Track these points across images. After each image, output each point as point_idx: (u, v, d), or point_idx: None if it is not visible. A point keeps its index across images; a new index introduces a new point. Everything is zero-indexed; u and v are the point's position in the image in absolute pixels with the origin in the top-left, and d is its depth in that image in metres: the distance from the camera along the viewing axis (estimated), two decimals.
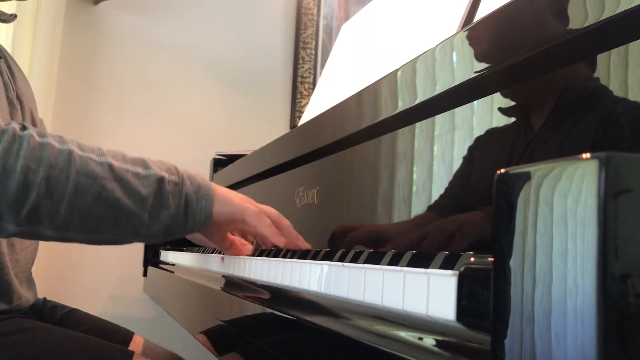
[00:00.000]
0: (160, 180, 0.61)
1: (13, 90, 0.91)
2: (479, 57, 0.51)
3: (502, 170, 0.27)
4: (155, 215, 0.60)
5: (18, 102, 0.91)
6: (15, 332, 0.81)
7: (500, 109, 0.49)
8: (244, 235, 0.94)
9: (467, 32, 0.53)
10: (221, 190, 0.68)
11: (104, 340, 0.89)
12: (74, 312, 1.11)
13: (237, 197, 0.68)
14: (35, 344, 0.80)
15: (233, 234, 0.81)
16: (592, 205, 0.22)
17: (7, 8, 0.98)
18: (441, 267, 0.40)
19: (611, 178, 0.22)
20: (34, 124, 0.97)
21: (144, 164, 0.62)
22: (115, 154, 0.61)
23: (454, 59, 0.54)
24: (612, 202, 0.21)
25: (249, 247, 0.83)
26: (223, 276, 0.86)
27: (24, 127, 0.56)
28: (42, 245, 1.05)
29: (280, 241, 0.68)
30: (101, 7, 2.09)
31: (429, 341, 0.34)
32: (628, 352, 0.21)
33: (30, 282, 1.00)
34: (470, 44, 0.52)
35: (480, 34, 0.52)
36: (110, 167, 0.58)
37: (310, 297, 0.53)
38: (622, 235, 0.21)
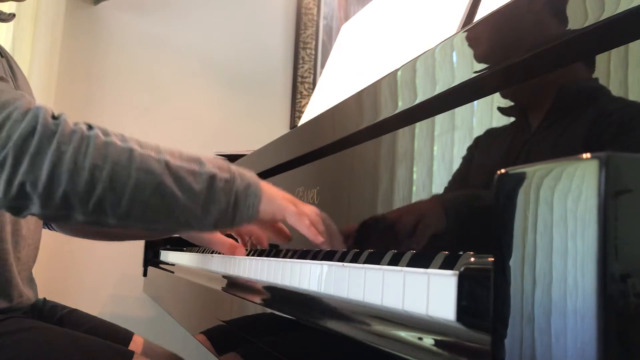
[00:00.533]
0: (213, 177, 0.66)
1: (15, 89, 0.92)
2: (479, 57, 0.51)
3: (502, 171, 0.27)
4: (207, 210, 0.65)
5: None
6: (15, 331, 0.81)
7: (501, 109, 0.49)
8: (239, 235, 0.95)
9: (467, 32, 0.53)
10: (268, 189, 0.72)
11: (104, 341, 0.89)
12: (74, 312, 1.11)
13: (281, 196, 0.72)
14: (35, 344, 0.80)
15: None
16: (592, 205, 0.22)
17: (7, 8, 0.98)
18: (441, 267, 0.40)
19: (611, 178, 0.22)
20: None
21: (198, 161, 0.67)
22: (172, 152, 0.67)
23: (454, 59, 0.54)
24: (612, 202, 0.21)
25: (242, 251, 0.87)
26: (223, 276, 0.86)
27: (90, 127, 0.62)
28: (43, 245, 1.05)
29: (318, 240, 0.70)
30: (101, 7, 2.09)
31: (429, 341, 0.34)
32: (628, 352, 0.21)
33: (31, 282, 1.00)
34: (470, 44, 0.52)
35: (481, 34, 0.52)
36: (167, 164, 0.64)
37: (311, 297, 0.53)
38: (622, 235, 0.21)
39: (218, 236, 0.95)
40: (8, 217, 0.90)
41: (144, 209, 0.62)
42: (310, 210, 0.73)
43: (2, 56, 0.93)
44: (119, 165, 0.60)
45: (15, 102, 0.60)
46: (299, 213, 0.70)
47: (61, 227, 1.11)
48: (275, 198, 0.71)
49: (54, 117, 0.61)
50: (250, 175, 0.70)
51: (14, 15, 0.97)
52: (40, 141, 0.58)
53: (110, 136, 0.63)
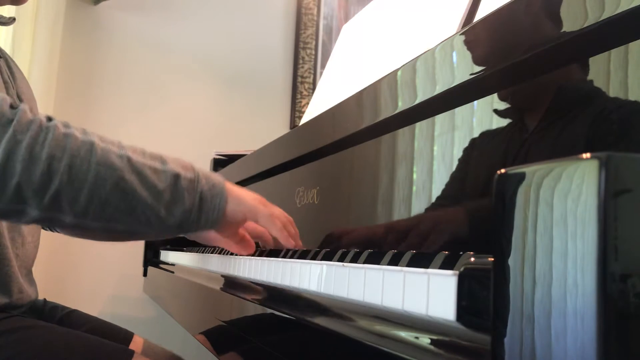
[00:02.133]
0: (176, 176, 0.64)
1: (13, 89, 0.92)
2: (480, 57, 0.51)
3: (502, 171, 0.27)
4: (170, 210, 0.63)
5: (18, 100, 0.92)
6: (16, 330, 0.81)
7: (501, 109, 0.49)
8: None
9: (467, 32, 0.53)
10: (235, 190, 0.69)
11: (104, 340, 0.89)
12: (74, 313, 1.11)
13: (250, 197, 0.70)
14: (36, 343, 0.80)
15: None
16: (592, 205, 0.22)
17: (7, 11, 0.99)
18: (441, 267, 0.40)
19: (611, 178, 0.22)
20: None
21: (161, 159, 0.65)
22: (134, 149, 0.64)
23: (454, 59, 0.54)
24: (612, 202, 0.21)
25: (252, 246, 0.84)
26: (223, 276, 0.86)
27: (49, 119, 0.60)
28: (42, 245, 1.05)
29: (290, 244, 0.69)
30: (101, 7, 2.09)
31: (429, 341, 0.34)
32: (628, 352, 0.21)
33: (30, 280, 1.00)
34: (471, 44, 0.52)
35: (481, 34, 0.52)
36: (129, 159, 0.61)
37: (310, 297, 0.53)
38: (622, 235, 0.21)
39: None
40: None
41: (104, 205, 0.59)
42: (280, 212, 0.72)
43: (1, 56, 0.93)
44: (78, 158, 0.57)
45: None
46: (271, 214, 0.69)
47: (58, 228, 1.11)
48: (244, 199, 0.69)
49: (12, 107, 0.58)
50: (216, 177, 0.68)
51: (14, 19, 0.97)
52: None
53: (71, 128, 0.60)
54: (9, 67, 0.95)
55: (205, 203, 0.65)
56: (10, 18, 0.97)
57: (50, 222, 0.60)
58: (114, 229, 0.62)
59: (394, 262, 0.48)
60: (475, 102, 0.50)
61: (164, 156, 0.65)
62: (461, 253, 0.42)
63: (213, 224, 0.67)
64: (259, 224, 0.70)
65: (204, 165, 1.89)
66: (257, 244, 0.97)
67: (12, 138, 0.55)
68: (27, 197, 0.56)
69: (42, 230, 1.06)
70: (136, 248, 1.77)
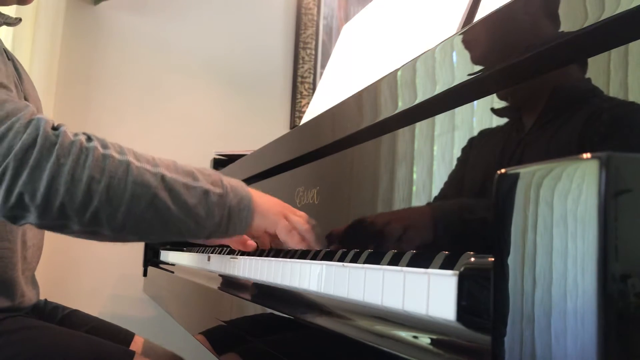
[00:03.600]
0: (206, 192, 0.67)
1: (21, 91, 0.93)
2: (480, 57, 0.51)
3: (502, 170, 0.27)
4: (200, 224, 0.67)
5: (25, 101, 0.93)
6: (18, 330, 0.81)
7: (501, 109, 0.49)
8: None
9: (467, 32, 0.53)
10: (260, 202, 0.73)
11: (105, 341, 0.89)
12: (74, 313, 1.11)
13: (274, 209, 0.74)
14: (37, 343, 0.80)
15: None
16: (592, 205, 0.22)
17: (8, 10, 0.98)
18: (441, 267, 0.40)
19: (611, 178, 0.22)
20: None
21: (193, 175, 0.68)
22: (167, 165, 0.67)
23: (454, 59, 0.54)
24: (612, 202, 0.21)
25: (253, 244, 0.88)
26: (222, 276, 0.86)
27: (89, 138, 0.63)
28: (43, 246, 1.05)
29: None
30: (101, 7, 2.09)
31: (429, 341, 0.34)
32: (628, 352, 0.21)
33: (34, 282, 1.00)
34: (471, 44, 0.52)
35: (481, 34, 0.52)
36: (163, 177, 0.65)
37: (311, 297, 0.53)
38: (622, 235, 0.21)
39: None
40: None
41: (139, 221, 0.63)
42: (301, 220, 0.74)
43: (9, 59, 0.93)
44: (116, 179, 0.61)
45: (19, 112, 0.61)
46: (290, 228, 0.72)
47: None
48: (268, 212, 0.72)
49: (54, 128, 0.62)
50: (242, 188, 0.72)
51: (20, 19, 0.98)
52: (40, 153, 0.59)
53: (109, 149, 0.63)
54: (16, 69, 0.95)
55: (234, 217, 0.69)
56: (16, 18, 0.97)
57: (91, 236, 0.64)
58: (149, 239, 0.68)
59: (394, 262, 0.48)
60: (475, 102, 0.50)
61: (195, 171, 0.69)
62: (461, 253, 0.42)
63: (239, 234, 0.71)
64: (278, 236, 0.73)
65: (204, 166, 1.89)
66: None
67: (56, 163, 0.59)
68: (70, 215, 0.60)
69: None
70: (136, 248, 1.77)
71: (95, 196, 0.60)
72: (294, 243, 0.72)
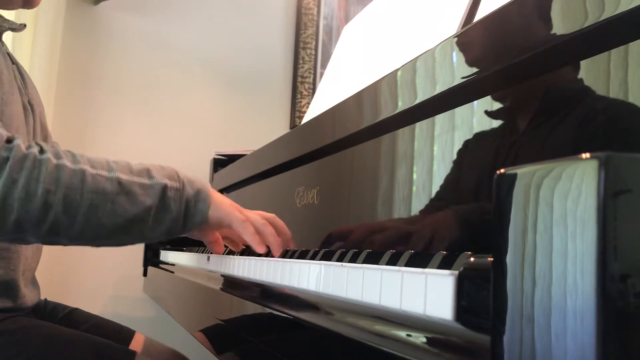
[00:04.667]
0: (164, 188, 0.67)
1: (25, 95, 0.93)
2: (480, 57, 0.51)
3: (502, 170, 0.27)
4: (159, 220, 0.67)
5: (30, 106, 0.94)
6: (19, 330, 0.81)
7: (501, 109, 0.49)
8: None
9: (467, 33, 0.53)
10: (216, 196, 0.73)
11: (107, 340, 0.89)
12: (75, 312, 1.12)
13: (227, 203, 0.74)
14: (38, 343, 0.81)
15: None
16: (592, 205, 0.22)
17: (11, 13, 0.98)
18: (439, 267, 0.40)
19: (611, 178, 0.21)
20: (43, 128, 1.01)
21: (148, 174, 0.68)
22: (122, 167, 0.67)
23: (454, 59, 0.54)
24: (612, 202, 0.21)
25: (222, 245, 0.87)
26: (222, 276, 0.86)
27: (41, 150, 0.62)
28: (43, 246, 1.05)
29: (261, 249, 0.72)
30: (101, 7, 2.09)
31: (427, 341, 0.34)
32: (628, 352, 0.21)
33: (34, 283, 1.00)
34: (471, 44, 0.52)
35: (481, 34, 0.52)
36: (119, 182, 0.65)
37: (309, 297, 0.53)
38: (622, 235, 0.21)
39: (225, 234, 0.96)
40: None
41: (98, 228, 0.63)
42: (256, 217, 0.75)
43: (12, 63, 0.93)
44: (71, 189, 0.61)
45: None
46: (244, 220, 0.72)
47: None
48: (222, 204, 0.72)
49: (8, 141, 0.61)
50: (199, 182, 0.72)
51: (24, 25, 0.98)
52: None
53: (62, 159, 0.63)
54: (20, 74, 0.96)
55: (191, 209, 0.69)
56: (21, 24, 0.97)
57: (48, 244, 0.65)
58: (107, 244, 0.67)
59: (393, 262, 0.48)
60: (475, 102, 0.50)
61: (150, 169, 0.69)
62: (459, 253, 0.42)
63: (196, 227, 0.71)
64: (232, 228, 0.73)
65: (204, 166, 1.89)
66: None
67: (9, 177, 0.59)
68: (27, 229, 0.60)
69: None
70: (136, 248, 1.76)
71: (51, 209, 0.60)
72: (248, 234, 0.72)
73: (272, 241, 0.74)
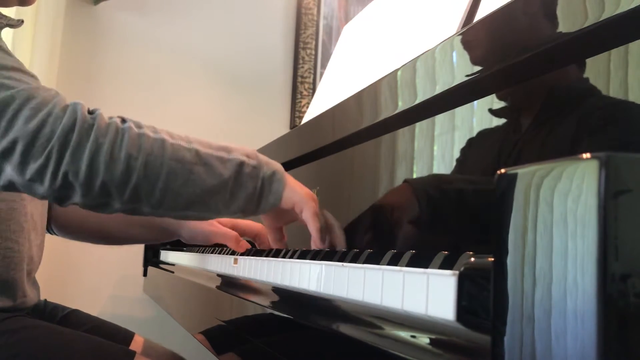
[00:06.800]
0: (241, 164, 0.69)
1: None
2: (480, 57, 0.51)
3: (503, 170, 0.27)
4: (234, 195, 0.68)
5: None
6: (19, 330, 0.81)
7: (501, 109, 0.49)
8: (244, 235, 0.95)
9: (467, 33, 0.53)
10: (292, 179, 0.74)
11: (105, 340, 0.89)
12: (74, 313, 1.11)
13: (304, 190, 0.74)
14: (37, 343, 0.81)
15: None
16: (592, 205, 0.22)
17: (9, 11, 0.98)
18: (441, 267, 0.40)
19: (611, 178, 0.22)
20: None
21: (227, 149, 0.70)
22: (201, 141, 0.70)
23: (454, 59, 0.54)
24: (612, 202, 0.21)
25: (246, 244, 0.89)
26: (222, 276, 0.86)
27: (124, 120, 0.66)
28: (44, 246, 1.05)
29: (321, 246, 0.72)
30: (101, 7, 2.09)
31: (428, 341, 0.34)
32: (628, 352, 0.21)
33: (34, 283, 1.00)
34: (471, 44, 0.52)
35: (481, 34, 0.52)
36: (197, 152, 0.67)
37: (310, 297, 0.53)
38: (622, 235, 0.21)
39: (221, 229, 0.96)
40: (29, 218, 0.91)
41: (176, 196, 0.65)
42: (328, 215, 0.74)
43: None
44: (152, 155, 0.64)
45: (54, 99, 0.63)
46: (316, 213, 0.72)
47: (63, 230, 1.12)
48: (299, 188, 0.73)
49: (90, 112, 0.65)
50: (276, 164, 0.73)
51: (22, 21, 0.98)
52: (79, 135, 0.61)
53: (143, 128, 0.66)
54: None
55: (266, 187, 0.70)
56: (19, 20, 0.97)
57: (131, 212, 0.67)
58: (186, 216, 0.69)
59: (394, 262, 0.48)
60: (475, 102, 0.50)
61: (229, 146, 0.72)
62: (460, 253, 0.42)
63: (271, 207, 0.72)
64: (302, 216, 0.73)
65: None
66: (252, 244, 0.97)
67: (95, 142, 0.62)
68: (112, 193, 0.63)
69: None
70: (136, 248, 1.77)
71: (133, 173, 0.63)
72: (315, 228, 0.72)
73: (338, 234, 0.74)
